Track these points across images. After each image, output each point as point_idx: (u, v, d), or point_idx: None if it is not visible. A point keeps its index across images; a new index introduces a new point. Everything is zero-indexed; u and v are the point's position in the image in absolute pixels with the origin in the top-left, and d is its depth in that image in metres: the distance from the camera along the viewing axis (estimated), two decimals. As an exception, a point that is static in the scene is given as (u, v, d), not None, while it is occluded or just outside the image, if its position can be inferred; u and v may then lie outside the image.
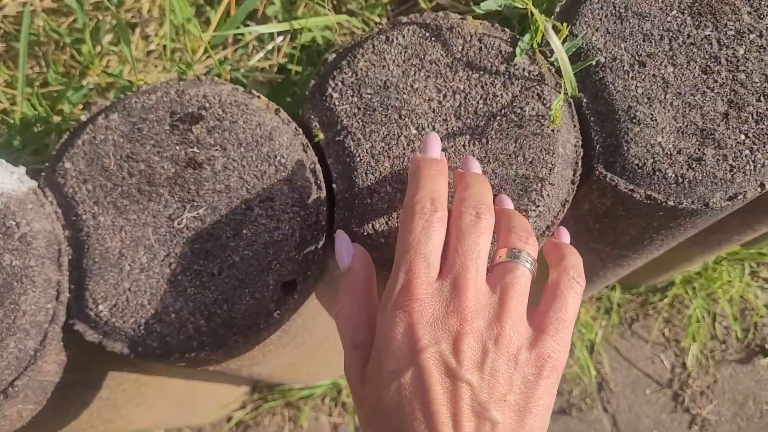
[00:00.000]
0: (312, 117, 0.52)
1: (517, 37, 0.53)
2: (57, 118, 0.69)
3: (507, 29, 0.54)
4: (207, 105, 0.51)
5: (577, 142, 0.52)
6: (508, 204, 0.48)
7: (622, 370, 1.22)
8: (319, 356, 0.85)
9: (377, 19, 0.79)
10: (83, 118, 0.52)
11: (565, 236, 0.49)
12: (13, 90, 0.73)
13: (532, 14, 0.54)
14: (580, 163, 0.51)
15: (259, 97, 0.53)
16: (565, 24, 0.50)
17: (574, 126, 0.52)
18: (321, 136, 0.52)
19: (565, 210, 0.51)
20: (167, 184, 0.50)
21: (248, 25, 0.79)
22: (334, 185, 0.51)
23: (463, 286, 0.40)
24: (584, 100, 0.52)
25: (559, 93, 0.51)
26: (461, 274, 0.41)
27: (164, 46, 0.80)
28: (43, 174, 0.52)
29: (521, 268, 0.42)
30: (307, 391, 1.14)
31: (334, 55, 0.54)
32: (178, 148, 0.50)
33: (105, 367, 0.59)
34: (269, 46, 0.79)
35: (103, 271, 0.49)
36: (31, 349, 0.48)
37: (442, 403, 0.38)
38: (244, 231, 0.49)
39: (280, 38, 0.80)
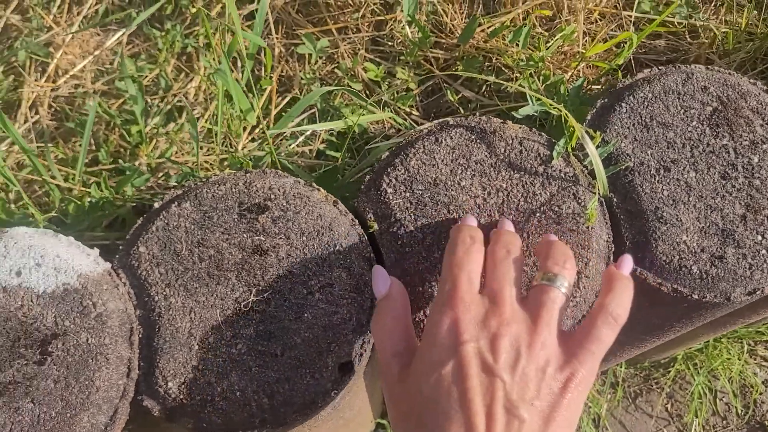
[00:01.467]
0: (367, 209, 0.57)
1: (553, 141, 0.59)
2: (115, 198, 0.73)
3: (543, 133, 0.59)
4: (272, 196, 0.56)
5: (609, 238, 0.57)
6: (552, 238, 0.53)
7: (627, 444, 1.24)
8: (352, 428, 0.87)
9: (407, 110, 0.85)
10: (156, 205, 0.57)
11: (626, 266, 0.51)
12: (67, 168, 0.77)
13: (566, 121, 0.60)
14: (611, 257, 0.56)
15: (318, 189, 0.57)
16: (597, 132, 0.56)
17: (606, 223, 0.57)
18: (375, 226, 0.57)
19: (600, 301, 0.55)
20: (234, 269, 0.54)
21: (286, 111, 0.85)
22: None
23: (501, 299, 0.46)
24: (615, 200, 0.57)
25: (593, 193, 0.56)
26: (499, 290, 0.46)
27: (209, 130, 0.85)
28: (117, 256, 0.56)
29: (555, 291, 0.47)
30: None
31: (386, 153, 0.60)
32: (245, 235, 0.55)
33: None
34: (308, 133, 0.85)
35: (173, 350, 0.52)
36: (102, 424, 0.51)
37: (477, 394, 0.42)
38: (306, 314, 0.53)
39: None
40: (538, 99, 0.69)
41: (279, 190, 0.56)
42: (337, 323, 0.53)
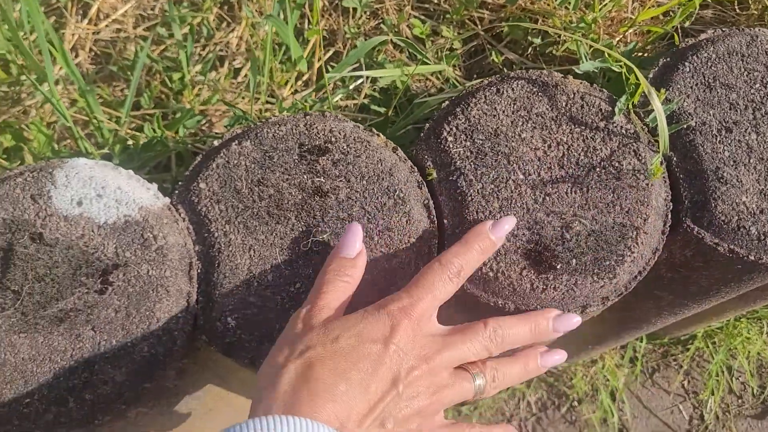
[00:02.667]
0: (426, 157, 0.57)
1: (614, 97, 0.58)
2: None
3: (604, 89, 0.59)
4: (333, 139, 0.56)
5: (667, 196, 0.57)
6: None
7: (642, 418, 1.25)
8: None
9: (451, 69, 0.84)
10: (216, 143, 0.57)
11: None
12: (109, 110, 0.77)
13: (627, 78, 0.59)
14: (669, 216, 0.56)
15: (378, 135, 0.57)
16: (662, 89, 0.56)
17: (665, 181, 0.57)
18: (434, 175, 0.57)
19: (656, 257, 0.55)
20: (294, 209, 0.54)
21: (333, 66, 0.85)
22: (445, 221, 0.55)
23: (450, 341, 0.50)
24: (675, 158, 0.57)
25: (654, 151, 0.56)
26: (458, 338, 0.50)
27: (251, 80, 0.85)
28: (176, 192, 0.56)
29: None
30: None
31: (445, 103, 0.59)
32: (305, 177, 0.55)
33: (200, 377, 0.62)
34: (351, 87, 0.84)
35: (232, 286, 0.52)
36: (161, 355, 0.51)
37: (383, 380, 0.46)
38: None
39: (360, 80, 0.85)
40: (600, 54, 0.69)
41: (339, 133, 0.56)
42: (396, 267, 0.53)
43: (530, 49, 0.88)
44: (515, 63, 0.87)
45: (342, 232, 0.53)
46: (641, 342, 1.26)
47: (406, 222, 0.54)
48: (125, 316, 0.51)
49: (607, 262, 0.53)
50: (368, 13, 0.89)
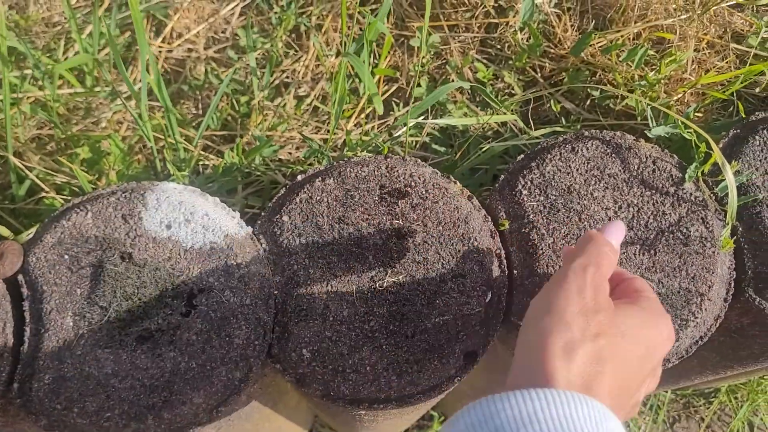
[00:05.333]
0: (499, 207, 0.59)
1: (684, 164, 0.60)
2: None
3: (675, 155, 0.61)
4: (413, 183, 0.58)
5: (731, 265, 0.58)
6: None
7: (660, 467, 1.26)
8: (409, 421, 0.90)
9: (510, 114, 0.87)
10: (299, 177, 0.59)
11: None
12: (181, 129, 0.80)
13: (697, 146, 0.61)
14: (732, 284, 0.58)
15: (455, 182, 0.59)
16: (734, 161, 0.58)
17: (730, 251, 0.58)
18: (507, 225, 0.58)
19: (717, 324, 0.57)
20: (372, 249, 0.56)
21: (397, 102, 0.87)
22: (515, 271, 0.57)
23: None
24: (740, 229, 0.59)
25: (720, 219, 0.58)
26: None
27: (315, 107, 0.87)
28: (258, 222, 0.58)
29: None
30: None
31: (520, 157, 0.61)
32: (384, 218, 0.57)
33: (258, 399, 0.64)
34: (411, 124, 0.86)
35: (308, 319, 0.54)
36: (237, 380, 0.53)
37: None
38: (437, 301, 0.55)
39: (422, 117, 0.87)
40: (659, 113, 0.71)
41: (419, 178, 0.58)
42: (467, 313, 0.55)
43: (589, 101, 0.90)
44: (572, 112, 0.89)
45: (418, 275, 0.55)
46: (666, 392, 1.27)
47: (479, 270, 0.56)
48: (206, 339, 0.52)
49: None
50: (431, 52, 0.92)
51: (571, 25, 0.93)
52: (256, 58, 0.90)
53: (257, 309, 0.54)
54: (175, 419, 0.51)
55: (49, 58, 0.83)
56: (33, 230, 0.61)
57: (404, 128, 0.81)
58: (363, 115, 0.88)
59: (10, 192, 0.72)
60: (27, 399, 0.51)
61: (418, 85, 0.89)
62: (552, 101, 0.88)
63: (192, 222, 0.55)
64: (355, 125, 0.87)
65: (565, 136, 0.61)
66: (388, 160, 0.59)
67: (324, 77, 0.91)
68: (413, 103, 0.87)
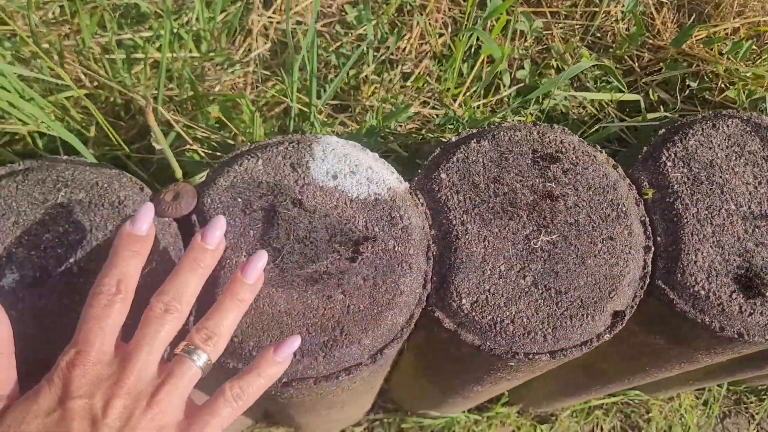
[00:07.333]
0: (642, 177, 0.62)
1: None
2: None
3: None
4: (563, 149, 0.60)
5: None
6: (223, 304, 0.50)
7: (711, 461, 1.28)
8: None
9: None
10: (453, 138, 0.61)
11: (284, 349, 0.51)
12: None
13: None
14: None
15: (601, 151, 0.62)
16: None
17: None
18: (650, 195, 0.61)
19: None
20: (526, 209, 0.58)
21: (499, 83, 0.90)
22: (658, 238, 0.60)
23: (130, 364, 0.45)
24: None
25: None
26: (132, 353, 0.46)
27: (420, 85, 0.90)
28: (416, 179, 0.60)
29: (189, 364, 0.47)
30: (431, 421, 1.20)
31: (662, 131, 0.64)
32: (537, 180, 0.59)
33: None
34: (514, 104, 0.89)
35: (467, 271, 0.57)
36: (400, 325, 0.55)
37: None
38: (589, 261, 0.57)
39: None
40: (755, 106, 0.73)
41: (569, 144, 0.60)
42: (616, 274, 0.57)
43: (686, 91, 0.93)
44: (667, 103, 0.92)
45: (570, 235, 0.58)
46: (722, 387, 1.30)
47: (628, 234, 0.58)
48: (372, 285, 0.55)
49: (813, 296, 0.57)
50: (533, 37, 0.95)
51: (670, 18, 0.96)
52: (360, 34, 0.92)
53: (418, 259, 0.56)
54: (343, 358, 0.54)
55: (175, 22, 0.85)
56: (203, 174, 0.63)
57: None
58: (468, 94, 0.91)
59: (144, 143, 0.74)
60: (204, 331, 0.54)
61: (522, 68, 0.92)
62: (650, 90, 0.90)
63: (357, 174, 0.57)
64: (460, 104, 0.90)
65: (704, 114, 0.64)
66: (538, 126, 0.62)
67: (428, 55, 0.94)
68: (516, 85, 0.89)
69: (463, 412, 1.19)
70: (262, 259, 0.50)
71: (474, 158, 0.59)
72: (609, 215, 0.59)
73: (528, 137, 0.60)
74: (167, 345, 0.47)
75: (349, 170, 0.58)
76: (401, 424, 1.22)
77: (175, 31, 0.80)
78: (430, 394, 0.95)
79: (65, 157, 0.58)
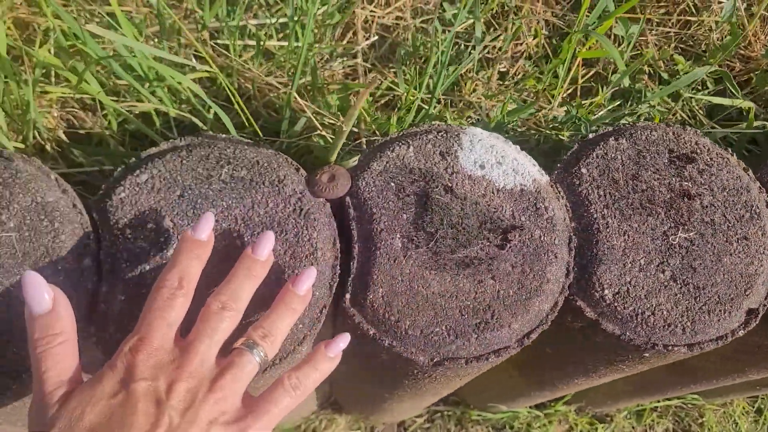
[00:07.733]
0: (771, 181, 0.64)
1: None
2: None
3: None
4: (698, 150, 0.62)
5: None
6: (279, 308, 0.51)
7: (761, 468, 1.30)
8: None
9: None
10: (590, 135, 0.63)
11: (334, 346, 0.53)
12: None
13: None
14: None
15: (732, 154, 0.64)
16: None
17: None
18: None
19: None
20: (663, 206, 0.60)
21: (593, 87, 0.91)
22: None
23: (191, 352, 0.47)
24: None
25: None
26: (192, 343, 0.47)
27: (516, 83, 0.92)
28: (555, 173, 0.62)
29: (249, 357, 0.48)
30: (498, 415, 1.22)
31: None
32: (674, 179, 0.61)
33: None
34: (611, 106, 0.91)
35: (609, 263, 0.59)
36: (544, 312, 0.57)
37: (140, 421, 0.43)
38: (725, 259, 0.59)
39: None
40: None
41: (704, 146, 0.62)
42: (752, 273, 0.59)
43: (775, 101, 0.94)
44: (757, 113, 0.94)
45: (706, 234, 0.59)
46: (776, 395, 1.32)
47: (761, 235, 0.60)
48: (521, 272, 0.57)
49: None
50: (629, 42, 0.97)
51: (762, 29, 0.98)
52: (458, 32, 0.94)
53: (562, 249, 0.58)
54: (494, 341, 0.56)
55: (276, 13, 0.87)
56: (355, 159, 0.65)
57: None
58: (566, 94, 0.93)
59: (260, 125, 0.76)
60: (360, 309, 0.56)
61: (614, 71, 0.94)
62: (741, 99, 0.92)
63: (503, 165, 0.59)
64: (560, 105, 0.91)
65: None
66: (672, 127, 0.64)
67: (523, 56, 0.96)
68: (610, 87, 0.91)
69: (526, 407, 1.21)
70: (311, 276, 0.52)
71: (613, 155, 0.61)
72: (743, 216, 0.61)
73: (664, 137, 0.62)
74: (224, 342, 0.49)
75: (496, 161, 0.59)
76: (461, 416, 1.23)
77: (295, 19, 0.82)
78: (512, 387, 0.97)
79: (223, 135, 0.60)
